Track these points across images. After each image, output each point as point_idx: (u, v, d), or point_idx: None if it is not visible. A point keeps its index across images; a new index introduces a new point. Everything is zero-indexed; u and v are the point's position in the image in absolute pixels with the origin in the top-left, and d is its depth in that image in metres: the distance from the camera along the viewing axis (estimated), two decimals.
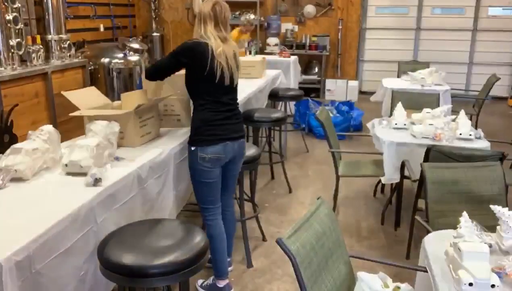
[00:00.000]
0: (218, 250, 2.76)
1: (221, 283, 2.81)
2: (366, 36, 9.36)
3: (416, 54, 9.14)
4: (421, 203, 3.10)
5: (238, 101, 2.81)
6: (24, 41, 4.39)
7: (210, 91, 2.61)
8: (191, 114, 2.73)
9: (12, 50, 4.25)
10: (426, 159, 2.95)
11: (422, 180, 3.00)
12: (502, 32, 8.63)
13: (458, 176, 2.50)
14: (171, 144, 2.77)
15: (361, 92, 8.95)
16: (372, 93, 6.42)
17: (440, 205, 2.47)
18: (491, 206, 1.93)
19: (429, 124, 3.51)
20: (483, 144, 3.40)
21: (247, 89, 4.67)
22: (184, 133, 2.94)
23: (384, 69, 8.65)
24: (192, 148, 2.61)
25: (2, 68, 4.16)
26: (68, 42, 5.12)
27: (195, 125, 2.63)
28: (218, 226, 2.78)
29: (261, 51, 8.36)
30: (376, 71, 9.06)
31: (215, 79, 2.57)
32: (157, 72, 2.78)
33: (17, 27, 4.28)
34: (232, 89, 2.71)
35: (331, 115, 6.09)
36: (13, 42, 4.24)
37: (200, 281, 2.94)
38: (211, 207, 2.75)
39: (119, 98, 2.96)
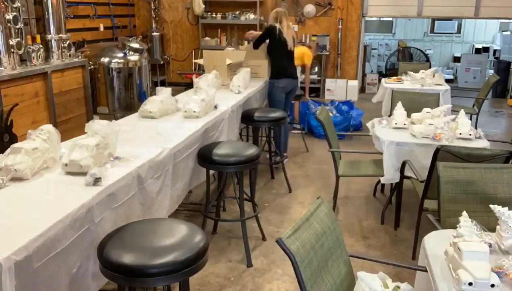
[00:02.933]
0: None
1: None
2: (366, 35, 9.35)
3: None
4: (427, 203, 3.09)
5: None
6: (24, 41, 4.39)
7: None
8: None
9: (12, 50, 4.24)
10: (434, 159, 2.93)
11: (429, 180, 2.99)
12: None
13: (474, 177, 2.46)
14: (171, 143, 2.78)
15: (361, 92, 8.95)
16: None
17: (453, 204, 2.44)
18: (491, 206, 1.93)
19: (429, 124, 3.51)
20: (483, 144, 3.39)
21: (247, 89, 4.67)
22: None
23: None
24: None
25: (2, 68, 4.16)
26: (68, 41, 5.12)
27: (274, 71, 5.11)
28: None
29: None
30: None
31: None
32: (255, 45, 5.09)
33: (17, 26, 4.28)
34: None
35: (331, 115, 6.09)
36: (13, 41, 4.24)
37: None
38: None
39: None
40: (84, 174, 2.13)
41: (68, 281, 1.87)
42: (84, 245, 1.94)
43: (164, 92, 3.65)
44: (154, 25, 9.31)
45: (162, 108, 3.49)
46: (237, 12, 9.17)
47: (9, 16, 4.18)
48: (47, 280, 1.73)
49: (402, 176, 3.50)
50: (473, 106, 6.41)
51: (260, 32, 5.25)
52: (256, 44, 5.09)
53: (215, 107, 3.71)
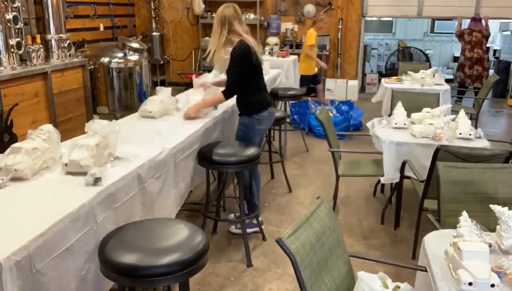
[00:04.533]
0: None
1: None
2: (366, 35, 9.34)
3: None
4: (426, 203, 3.09)
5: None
6: (24, 41, 4.39)
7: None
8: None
9: (12, 50, 4.24)
10: (434, 159, 2.92)
11: (429, 180, 2.99)
12: None
13: (474, 177, 2.46)
14: (171, 143, 2.78)
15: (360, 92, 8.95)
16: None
17: (453, 204, 2.43)
18: (491, 206, 1.93)
19: (429, 124, 3.51)
20: (483, 144, 3.39)
21: None
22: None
23: None
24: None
25: (2, 68, 4.16)
26: (68, 41, 5.12)
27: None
28: None
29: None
30: None
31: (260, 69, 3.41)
32: (232, 93, 3.41)
33: (17, 26, 4.28)
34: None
35: (331, 115, 6.09)
36: (12, 41, 4.24)
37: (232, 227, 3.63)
38: None
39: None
40: (84, 173, 2.13)
41: (77, 283, 1.87)
42: (90, 246, 1.94)
43: (164, 92, 3.65)
44: (154, 25, 9.31)
45: (162, 108, 3.49)
46: None
47: (9, 16, 4.18)
48: (54, 281, 1.73)
49: (402, 176, 3.50)
50: (473, 106, 6.41)
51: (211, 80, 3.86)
52: (234, 87, 3.37)
53: (215, 107, 3.71)
